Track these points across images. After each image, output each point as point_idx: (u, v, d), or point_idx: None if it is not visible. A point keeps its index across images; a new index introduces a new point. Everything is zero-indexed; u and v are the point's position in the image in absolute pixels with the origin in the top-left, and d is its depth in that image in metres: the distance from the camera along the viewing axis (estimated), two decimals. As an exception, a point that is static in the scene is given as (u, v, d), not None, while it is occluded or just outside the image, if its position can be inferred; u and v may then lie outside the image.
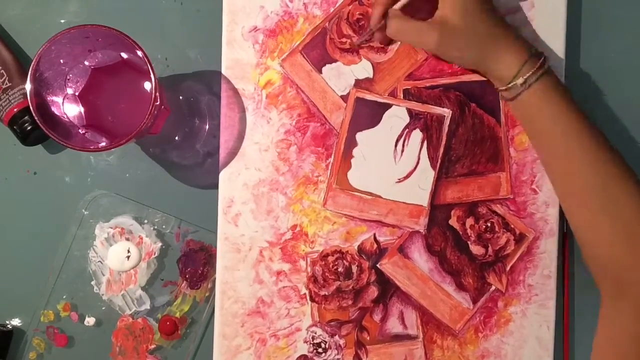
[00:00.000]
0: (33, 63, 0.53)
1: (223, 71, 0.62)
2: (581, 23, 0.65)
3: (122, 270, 0.64)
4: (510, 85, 0.57)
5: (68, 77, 0.57)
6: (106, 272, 0.64)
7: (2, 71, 0.62)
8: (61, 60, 0.56)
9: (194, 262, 0.64)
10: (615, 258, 0.55)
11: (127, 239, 0.64)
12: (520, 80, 0.56)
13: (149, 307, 0.64)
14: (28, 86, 0.53)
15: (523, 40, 0.58)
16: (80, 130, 0.57)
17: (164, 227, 0.64)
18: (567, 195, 0.59)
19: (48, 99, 0.55)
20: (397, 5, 0.58)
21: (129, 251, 0.63)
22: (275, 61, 0.62)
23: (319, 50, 0.62)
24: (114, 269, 0.64)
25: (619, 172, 0.56)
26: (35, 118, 0.53)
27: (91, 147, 0.55)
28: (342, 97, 0.62)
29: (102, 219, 0.64)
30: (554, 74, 0.57)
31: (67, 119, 0.57)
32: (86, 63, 0.57)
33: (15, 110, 0.61)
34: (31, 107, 0.53)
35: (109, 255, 0.64)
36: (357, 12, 0.62)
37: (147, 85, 0.56)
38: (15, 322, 0.65)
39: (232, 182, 0.62)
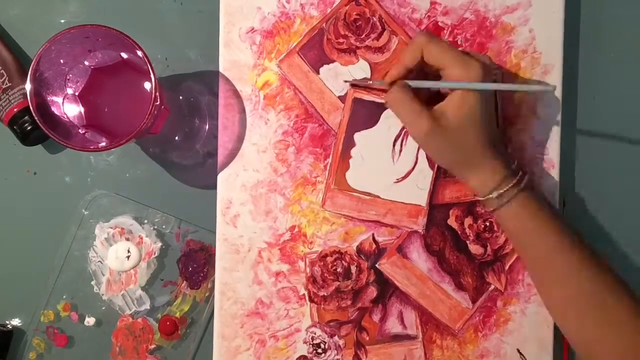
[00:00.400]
0: (33, 63, 0.53)
1: (220, 72, 0.62)
2: (580, 23, 0.65)
3: (122, 270, 0.64)
4: (485, 199, 0.57)
5: (68, 77, 0.57)
6: (106, 272, 0.64)
7: (2, 71, 0.62)
8: (61, 60, 0.56)
9: (194, 262, 0.64)
10: None
11: (127, 239, 0.64)
12: (494, 195, 0.56)
13: (149, 307, 0.64)
14: (28, 86, 0.53)
15: (504, 157, 0.57)
16: (80, 130, 0.57)
17: (164, 227, 0.65)
18: (550, 301, 0.58)
19: (48, 99, 0.55)
20: (412, 82, 0.57)
21: (129, 251, 0.63)
22: (272, 62, 0.62)
23: (317, 51, 0.62)
24: (114, 269, 0.64)
25: (603, 281, 0.54)
26: (35, 118, 0.53)
27: (91, 147, 0.55)
28: (339, 97, 0.62)
29: (102, 219, 0.64)
30: (532, 190, 0.57)
31: (67, 119, 0.57)
32: (86, 63, 0.57)
33: (15, 110, 0.62)
34: (31, 107, 0.53)
35: (109, 255, 0.64)
36: (354, 13, 0.62)
37: (147, 85, 0.56)
38: (15, 322, 0.65)
39: (230, 183, 0.62)
